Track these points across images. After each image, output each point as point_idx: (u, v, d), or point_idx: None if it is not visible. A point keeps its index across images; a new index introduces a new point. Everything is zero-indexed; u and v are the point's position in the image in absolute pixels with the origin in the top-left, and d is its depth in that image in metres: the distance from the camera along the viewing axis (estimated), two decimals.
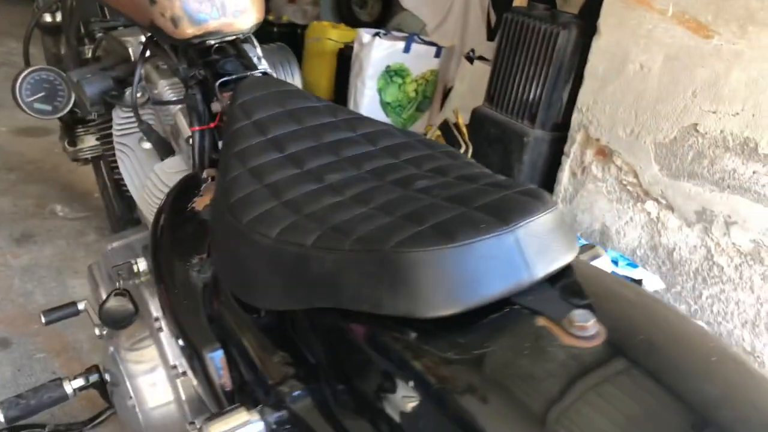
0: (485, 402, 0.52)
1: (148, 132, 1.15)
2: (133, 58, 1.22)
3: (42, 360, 1.65)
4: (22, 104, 1.33)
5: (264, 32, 1.57)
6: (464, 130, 2.27)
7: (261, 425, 0.68)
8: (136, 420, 1.11)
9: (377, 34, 2.96)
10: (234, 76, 1.01)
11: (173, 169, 1.10)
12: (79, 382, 1.20)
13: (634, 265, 1.76)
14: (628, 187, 1.80)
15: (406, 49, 2.89)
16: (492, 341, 0.56)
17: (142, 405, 1.10)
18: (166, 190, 1.06)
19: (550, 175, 2.04)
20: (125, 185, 1.27)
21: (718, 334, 1.63)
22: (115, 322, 1.09)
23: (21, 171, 2.57)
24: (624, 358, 0.53)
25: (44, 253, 2.07)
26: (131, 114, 1.20)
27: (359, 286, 0.60)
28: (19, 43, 1.69)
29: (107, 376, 1.20)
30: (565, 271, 0.62)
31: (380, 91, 2.94)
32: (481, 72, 2.53)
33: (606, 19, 1.80)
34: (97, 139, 1.60)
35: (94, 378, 1.22)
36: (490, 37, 2.76)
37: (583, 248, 0.76)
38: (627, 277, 1.66)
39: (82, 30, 1.46)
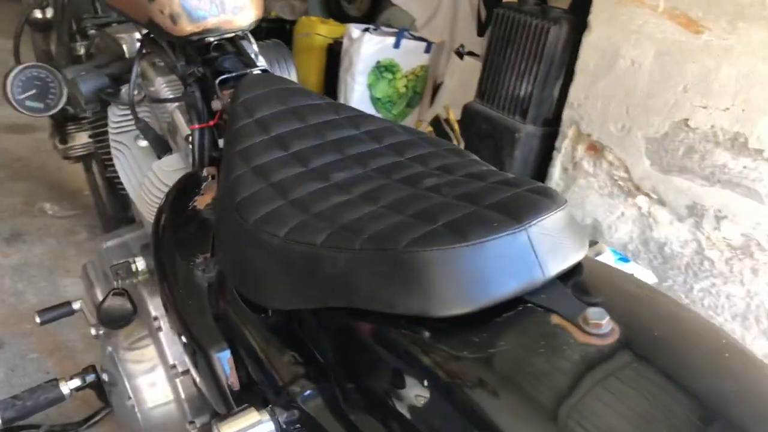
0: (501, 400, 0.52)
1: (144, 130, 1.14)
2: (127, 55, 1.21)
3: (35, 360, 1.63)
4: (13, 102, 1.31)
5: (252, 28, 1.55)
6: (455, 126, 2.27)
7: (271, 425, 0.68)
8: (135, 420, 1.11)
9: (367, 29, 2.94)
10: (234, 74, 1.00)
11: (171, 167, 1.09)
12: (76, 382, 1.20)
13: (625, 260, 1.77)
14: (620, 182, 1.81)
15: (396, 45, 2.88)
16: (506, 340, 0.56)
17: (141, 405, 1.10)
18: (165, 188, 1.05)
19: (542, 170, 2.04)
20: (119, 183, 1.26)
21: None
22: (114, 322, 1.08)
23: (8, 168, 2.53)
24: (638, 356, 0.53)
25: (34, 252, 2.05)
26: (127, 112, 1.18)
27: (372, 286, 0.60)
28: (6, 40, 1.67)
29: (105, 376, 1.19)
30: (577, 268, 0.62)
31: (370, 86, 2.93)
32: (471, 67, 2.53)
33: (597, 15, 1.80)
34: (90, 137, 1.58)
35: (90, 378, 1.21)
36: (481, 32, 2.76)
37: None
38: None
39: (74, 27, 1.44)
